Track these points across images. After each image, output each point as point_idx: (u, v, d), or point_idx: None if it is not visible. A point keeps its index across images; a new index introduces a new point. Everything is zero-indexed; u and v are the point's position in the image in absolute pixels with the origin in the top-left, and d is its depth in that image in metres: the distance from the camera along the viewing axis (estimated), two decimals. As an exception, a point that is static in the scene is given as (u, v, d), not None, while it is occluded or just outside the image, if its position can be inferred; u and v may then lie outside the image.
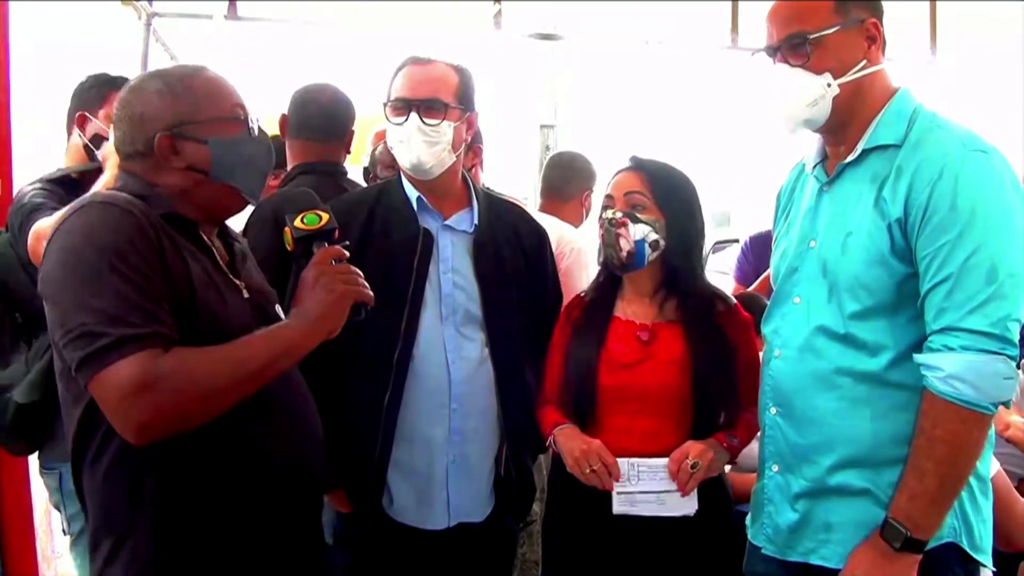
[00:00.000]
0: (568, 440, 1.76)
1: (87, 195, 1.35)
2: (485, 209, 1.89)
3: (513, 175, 5.36)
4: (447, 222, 1.85)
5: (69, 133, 2.17)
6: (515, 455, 1.90)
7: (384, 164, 2.72)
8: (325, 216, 1.39)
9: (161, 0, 4.35)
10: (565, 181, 3.00)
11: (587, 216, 3.02)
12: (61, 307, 1.22)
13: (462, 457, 1.82)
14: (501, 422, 1.85)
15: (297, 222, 1.39)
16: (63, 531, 2.07)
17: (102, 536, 1.30)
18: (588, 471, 1.70)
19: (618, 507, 1.72)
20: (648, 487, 1.71)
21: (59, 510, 2.09)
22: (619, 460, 1.72)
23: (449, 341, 1.81)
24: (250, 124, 1.41)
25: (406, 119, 1.77)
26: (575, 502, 1.81)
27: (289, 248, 1.42)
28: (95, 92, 2.16)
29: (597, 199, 3.05)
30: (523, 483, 1.93)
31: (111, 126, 1.99)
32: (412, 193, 1.85)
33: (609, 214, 1.77)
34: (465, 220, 1.87)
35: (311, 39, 4.71)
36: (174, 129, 1.35)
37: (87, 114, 2.12)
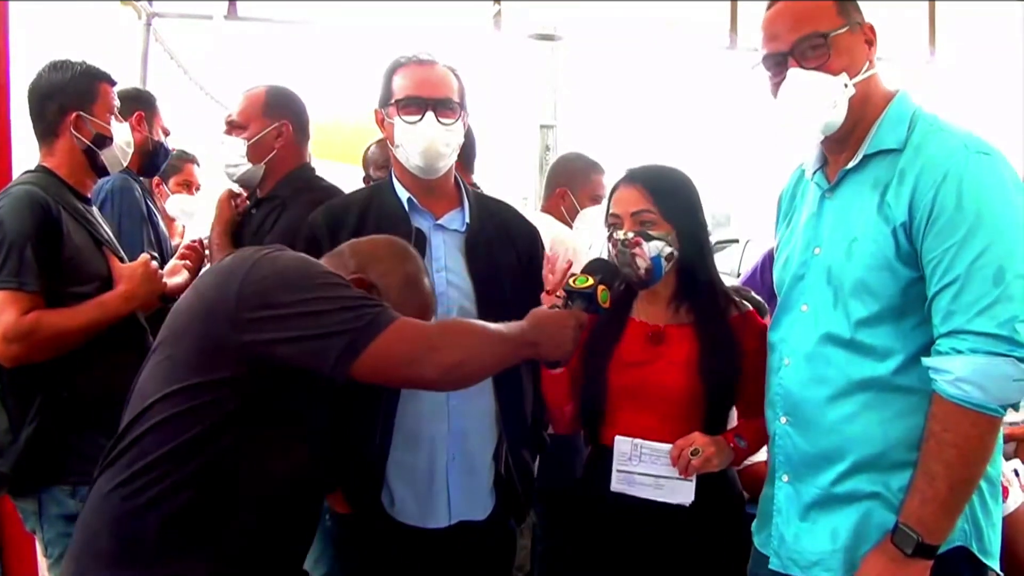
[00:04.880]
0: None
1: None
2: (476, 208, 1.89)
3: (513, 175, 5.37)
4: (439, 221, 1.86)
5: (52, 135, 1.96)
6: (515, 453, 1.89)
7: (376, 165, 2.71)
8: (591, 281, 1.65)
9: (161, 0, 4.36)
10: (546, 182, 3.21)
11: (572, 215, 3.01)
12: None
13: (462, 455, 1.82)
14: (499, 420, 1.85)
15: (569, 280, 1.66)
16: (44, 555, 1.95)
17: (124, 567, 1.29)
18: None
19: (616, 484, 1.74)
20: (648, 469, 1.72)
21: (35, 534, 1.97)
22: (623, 439, 1.73)
23: None
24: None
25: (421, 118, 1.79)
26: (571, 500, 1.82)
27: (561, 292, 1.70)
28: (84, 85, 1.96)
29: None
30: (524, 481, 1.92)
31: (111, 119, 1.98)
32: (403, 194, 1.85)
33: (621, 235, 1.76)
34: (456, 219, 1.87)
35: (310, 39, 4.71)
36: None
37: (82, 113, 1.95)
